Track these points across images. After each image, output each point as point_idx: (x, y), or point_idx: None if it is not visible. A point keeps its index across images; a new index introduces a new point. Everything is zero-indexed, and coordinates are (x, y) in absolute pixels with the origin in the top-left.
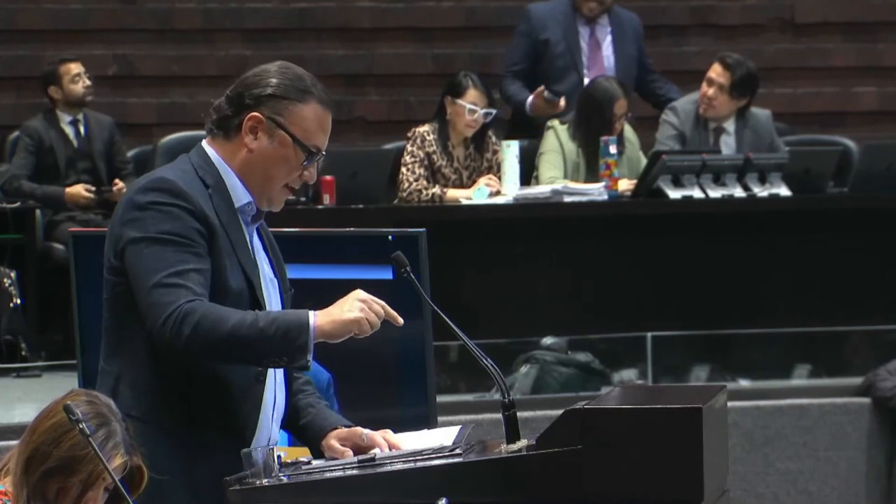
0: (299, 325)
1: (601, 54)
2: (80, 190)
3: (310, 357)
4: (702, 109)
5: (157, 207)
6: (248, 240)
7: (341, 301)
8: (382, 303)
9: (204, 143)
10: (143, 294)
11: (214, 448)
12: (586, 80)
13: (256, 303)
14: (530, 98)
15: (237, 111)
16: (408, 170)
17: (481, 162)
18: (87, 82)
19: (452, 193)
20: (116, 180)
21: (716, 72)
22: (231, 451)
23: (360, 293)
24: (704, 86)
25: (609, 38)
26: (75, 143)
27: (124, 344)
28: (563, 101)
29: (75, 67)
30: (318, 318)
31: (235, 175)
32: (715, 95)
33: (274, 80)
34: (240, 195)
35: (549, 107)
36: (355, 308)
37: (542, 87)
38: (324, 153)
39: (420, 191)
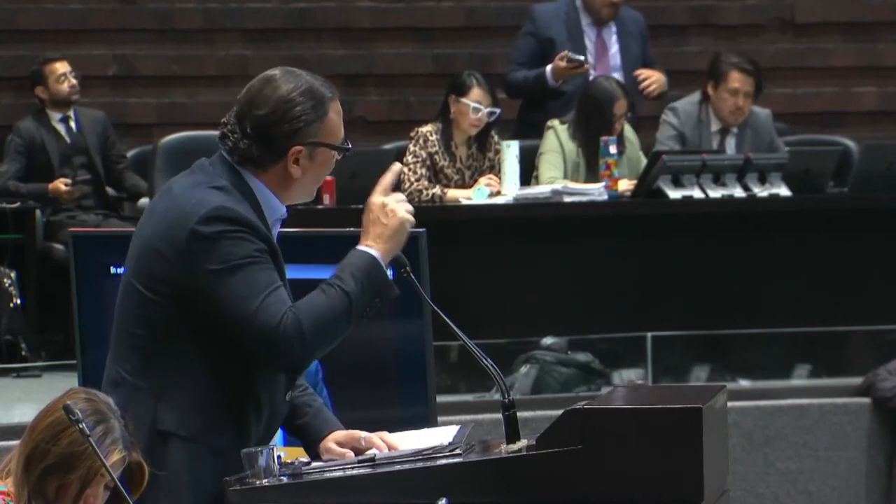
0: (372, 265)
1: (608, 55)
2: (58, 185)
3: (395, 287)
4: (731, 120)
5: (227, 235)
6: (280, 252)
7: (371, 217)
8: (390, 184)
9: (228, 158)
10: (245, 322)
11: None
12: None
13: None
14: (550, 66)
15: (269, 149)
16: (409, 170)
17: (483, 161)
18: (73, 81)
19: (453, 193)
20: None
21: (738, 81)
22: None
23: (377, 199)
24: (730, 98)
25: (615, 38)
26: (68, 139)
27: (167, 363)
28: (588, 64)
29: (61, 67)
30: (376, 245)
31: (269, 190)
32: (744, 104)
33: (297, 109)
34: (274, 208)
35: (575, 68)
36: (391, 212)
37: (565, 52)
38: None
39: (420, 191)
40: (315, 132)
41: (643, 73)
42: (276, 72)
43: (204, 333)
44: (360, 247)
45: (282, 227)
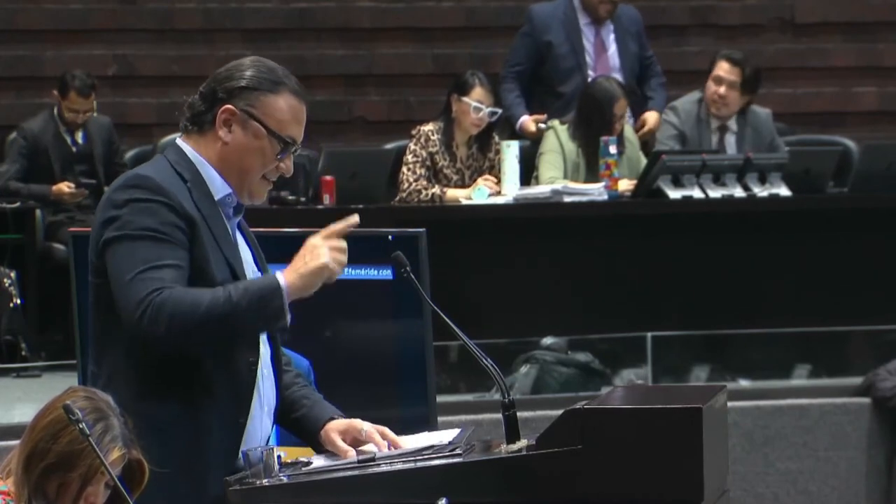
0: (271, 289)
1: (607, 55)
2: (62, 187)
3: (287, 318)
4: (714, 109)
5: (135, 204)
6: (230, 232)
7: (301, 252)
8: (336, 231)
9: (178, 140)
10: (120, 291)
11: (209, 437)
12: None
13: None
14: (524, 119)
15: (210, 105)
16: (409, 169)
17: (483, 162)
18: (86, 117)
19: (452, 193)
20: None
21: (724, 70)
22: (226, 440)
23: (314, 239)
24: (713, 85)
25: (613, 38)
26: (73, 149)
27: (112, 346)
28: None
29: (84, 104)
30: (286, 277)
31: (213, 168)
32: (727, 93)
33: (247, 73)
34: (219, 187)
35: (536, 134)
36: (318, 255)
37: (544, 116)
38: (299, 145)
39: (419, 191)
40: (255, 103)
41: (643, 120)
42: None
43: None
44: (278, 272)
45: (282, 227)
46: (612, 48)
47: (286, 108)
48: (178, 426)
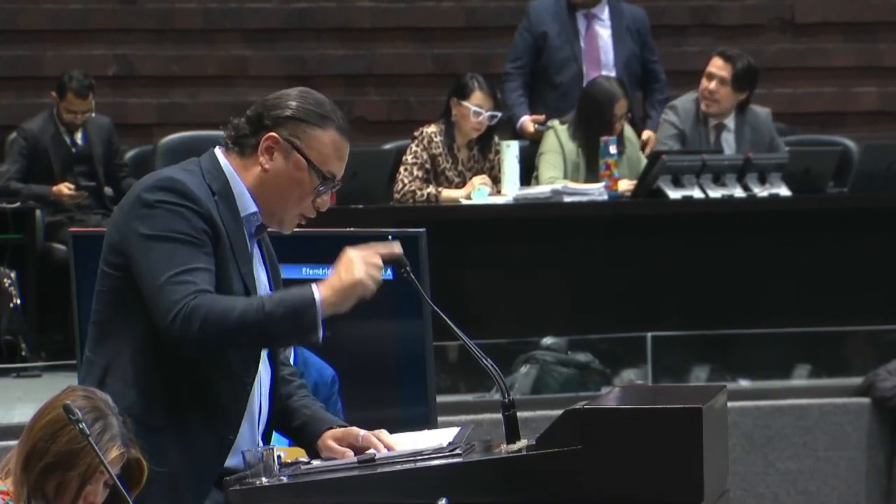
0: (305, 302)
1: (598, 47)
2: (62, 188)
3: (320, 333)
4: (704, 106)
5: (166, 206)
6: (249, 250)
7: (338, 267)
8: (376, 251)
9: (217, 150)
10: (152, 291)
11: (194, 445)
12: (585, 72)
13: None
14: (524, 119)
15: (255, 130)
16: (405, 170)
17: (484, 164)
18: (84, 118)
19: (447, 193)
20: None
21: (716, 66)
22: (210, 450)
23: (351, 253)
24: (705, 81)
25: (609, 32)
26: (73, 150)
27: (115, 336)
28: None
29: (82, 105)
30: (322, 291)
31: (243, 185)
32: (717, 89)
33: (294, 104)
34: (246, 204)
35: (535, 134)
36: (353, 270)
37: (542, 117)
38: (339, 182)
39: (414, 192)
40: (300, 134)
41: (642, 141)
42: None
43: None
44: (313, 285)
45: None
46: (607, 41)
47: (329, 143)
48: (165, 431)
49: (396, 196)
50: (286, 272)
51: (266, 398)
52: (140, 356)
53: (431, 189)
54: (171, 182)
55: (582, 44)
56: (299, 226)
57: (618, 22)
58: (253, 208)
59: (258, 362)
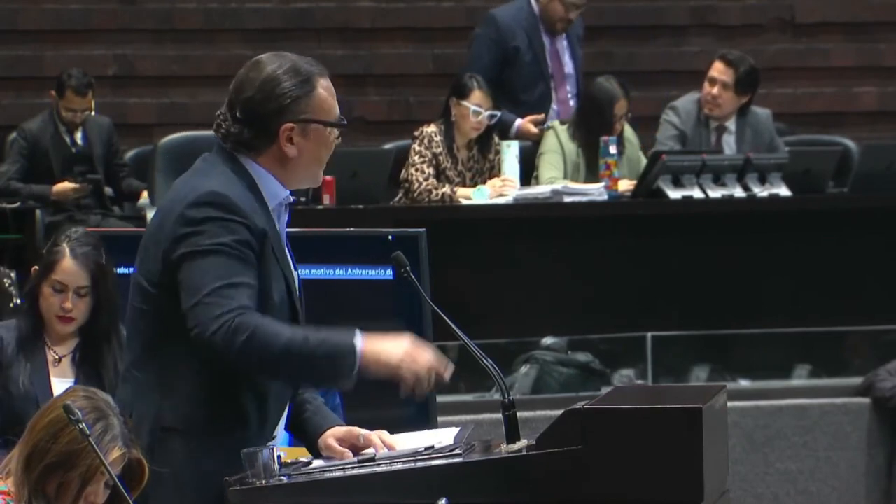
0: (348, 348)
1: (562, 63)
2: (66, 186)
3: (352, 382)
4: (707, 109)
5: (212, 222)
6: (283, 242)
7: (392, 339)
8: (429, 358)
9: (225, 149)
10: (194, 303)
11: (246, 448)
12: (553, 88)
13: (294, 310)
14: (521, 121)
15: (261, 129)
16: (417, 169)
17: (484, 163)
18: (83, 116)
19: (464, 192)
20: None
21: (718, 70)
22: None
23: (407, 341)
24: (707, 85)
25: (566, 45)
26: (73, 150)
27: (168, 354)
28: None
29: (81, 104)
30: (364, 345)
31: (270, 176)
32: (719, 94)
33: (283, 87)
34: (272, 195)
35: (538, 135)
36: (397, 352)
37: (541, 116)
38: (342, 114)
39: (430, 190)
40: (304, 108)
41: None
42: (262, 56)
43: None
44: (361, 334)
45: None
46: (566, 56)
47: (325, 95)
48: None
49: (413, 195)
50: None
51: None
52: (197, 372)
53: (447, 189)
54: (214, 196)
55: (549, 60)
56: (299, 226)
57: (571, 33)
58: (283, 194)
59: None
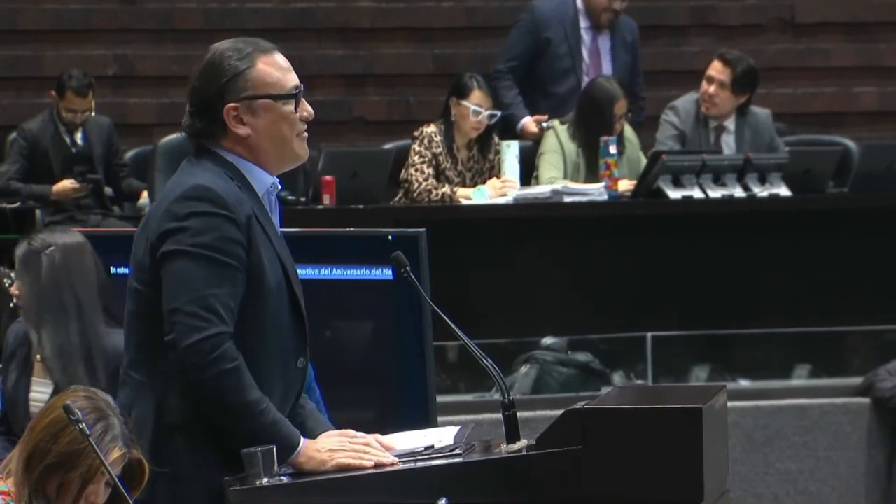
0: (290, 447)
1: (601, 62)
2: (66, 185)
3: (274, 471)
4: (704, 108)
5: (197, 217)
6: (276, 227)
7: (341, 440)
8: (367, 443)
9: (201, 146)
10: (173, 308)
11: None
12: (583, 85)
13: (293, 296)
14: (525, 120)
15: (210, 117)
16: (416, 170)
17: (484, 163)
18: (84, 117)
19: (464, 192)
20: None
21: (716, 69)
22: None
23: (343, 440)
24: (705, 84)
25: (608, 46)
26: (73, 150)
27: (169, 356)
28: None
29: (82, 104)
30: (304, 450)
31: (250, 163)
32: (716, 92)
33: (217, 70)
34: (259, 182)
35: (538, 134)
36: (328, 452)
37: (545, 117)
38: (302, 86)
39: (430, 190)
40: (244, 86)
41: None
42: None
43: None
44: (308, 443)
45: (282, 227)
46: (607, 56)
47: (270, 69)
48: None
49: (412, 195)
50: None
51: None
52: None
53: (447, 189)
54: (201, 190)
55: (585, 56)
56: (299, 226)
57: (617, 33)
58: (270, 179)
59: (307, 343)
